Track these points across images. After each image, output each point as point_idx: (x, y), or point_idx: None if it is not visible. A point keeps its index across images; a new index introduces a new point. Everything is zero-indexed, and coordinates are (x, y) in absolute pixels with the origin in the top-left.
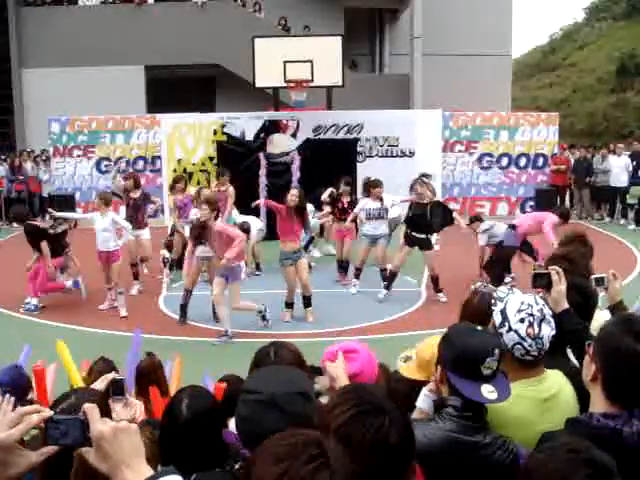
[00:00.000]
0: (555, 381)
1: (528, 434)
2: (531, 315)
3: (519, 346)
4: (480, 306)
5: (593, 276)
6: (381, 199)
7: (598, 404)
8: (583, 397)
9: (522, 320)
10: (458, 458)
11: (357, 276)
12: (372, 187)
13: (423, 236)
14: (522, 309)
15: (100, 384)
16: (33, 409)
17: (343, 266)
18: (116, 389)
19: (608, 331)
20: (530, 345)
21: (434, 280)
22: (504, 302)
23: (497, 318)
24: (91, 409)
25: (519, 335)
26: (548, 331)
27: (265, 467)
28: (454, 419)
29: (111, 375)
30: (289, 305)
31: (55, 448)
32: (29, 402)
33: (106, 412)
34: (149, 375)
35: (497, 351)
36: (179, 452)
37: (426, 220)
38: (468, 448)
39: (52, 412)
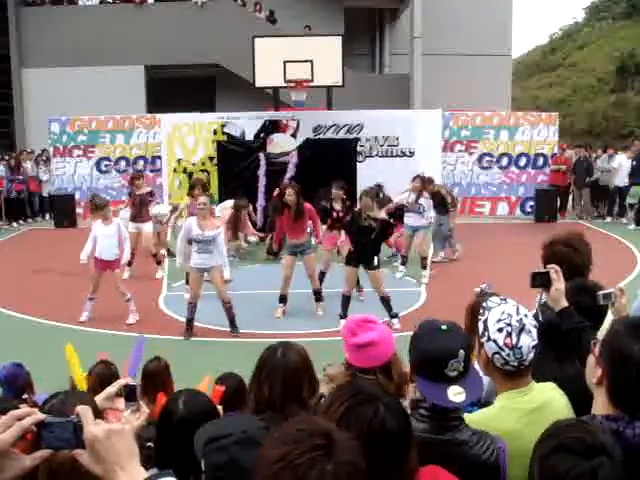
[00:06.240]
0: (542, 392)
1: (517, 446)
2: (509, 325)
3: (498, 356)
4: None
5: (600, 292)
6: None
7: (601, 407)
8: (584, 402)
9: (500, 330)
10: (433, 459)
11: (404, 263)
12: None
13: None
14: (501, 319)
15: (112, 388)
16: (25, 412)
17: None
18: (129, 395)
19: (616, 336)
20: (508, 355)
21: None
22: (489, 311)
23: (480, 327)
24: (84, 411)
25: (497, 345)
26: (528, 342)
27: (268, 448)
28: (425, 419)
29: (124, 380)
30: (282, 299)
31: (48, 452)
32: (24, 401)
33: (99, 414)
34: (156, 377)
35: (462, 352)
36: (174, 452)
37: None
38: (442, 447)
39: (45, 415)
